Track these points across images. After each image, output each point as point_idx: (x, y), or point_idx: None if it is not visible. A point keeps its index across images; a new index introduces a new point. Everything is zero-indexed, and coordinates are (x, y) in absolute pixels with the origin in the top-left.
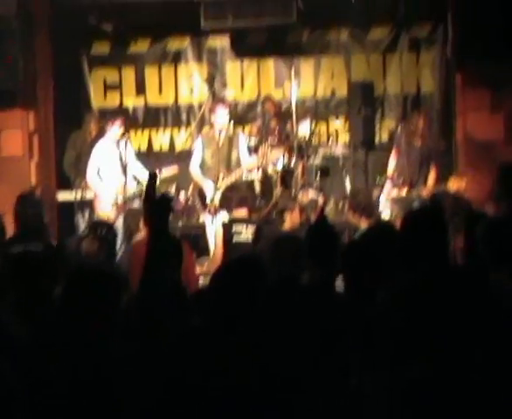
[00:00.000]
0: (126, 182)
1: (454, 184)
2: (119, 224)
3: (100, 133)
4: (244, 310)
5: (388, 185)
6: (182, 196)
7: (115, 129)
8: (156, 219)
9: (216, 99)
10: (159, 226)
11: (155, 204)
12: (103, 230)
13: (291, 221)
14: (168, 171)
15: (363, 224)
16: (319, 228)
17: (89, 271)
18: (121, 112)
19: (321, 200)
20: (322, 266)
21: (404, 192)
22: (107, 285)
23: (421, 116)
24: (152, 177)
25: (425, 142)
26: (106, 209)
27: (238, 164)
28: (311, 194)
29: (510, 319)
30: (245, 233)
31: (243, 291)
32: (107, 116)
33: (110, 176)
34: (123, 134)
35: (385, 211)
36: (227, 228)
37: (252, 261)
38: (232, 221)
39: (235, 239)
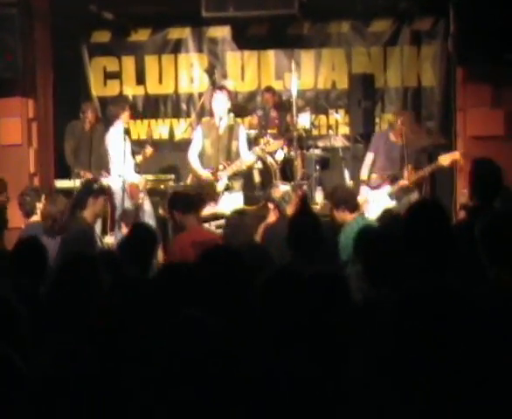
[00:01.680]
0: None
1: (446, 160)
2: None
3: (98, 121)
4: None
5: (365, 189)
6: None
7: (125, 118)
8: None
9: (216, 85)
10: None
11: None
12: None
13: (274, 214)
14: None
15: (349, 218)
16: (300, 219)
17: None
18: (123, 100)
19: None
20: (307, 257)
21: (388, 189)
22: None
23: (402, 115)
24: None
25: (404, 141)
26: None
27: (238, 155)
28: (282, 188)
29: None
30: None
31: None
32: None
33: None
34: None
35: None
36: None
37: (233, 251)
38: None
39: None
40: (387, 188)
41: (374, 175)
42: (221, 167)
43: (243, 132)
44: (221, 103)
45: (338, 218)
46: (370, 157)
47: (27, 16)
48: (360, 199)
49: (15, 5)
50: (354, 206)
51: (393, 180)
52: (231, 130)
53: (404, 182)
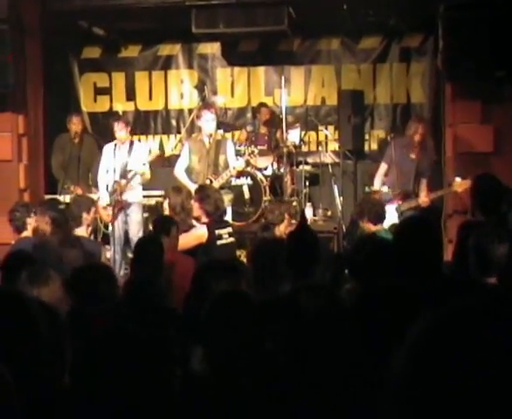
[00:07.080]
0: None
1: (461, 186)
2: (116, 225)
3: (85, 131)
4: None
5: None
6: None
7: (120, 132)
8: None
9: (204, 104)
10: None
11: None
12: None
13: (279, 234)
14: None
15: (373, 230)
16: (299, 237)
17: None
18: (113, 115)
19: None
20: (302, 276)
21: (398, 206)
22: None
23: (420, 125)
24: None
25: (421, 155)
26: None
27: (226, 168)
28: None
29: None
30: (227, 239)
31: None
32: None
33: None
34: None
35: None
36: (212, 229)
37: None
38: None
39: (218, 242)
40: (397, 204)
41: (385, 189)
42: (208, 181)
43: (230, 145)
44: (208, 121)
45: (365, 229)
46: (383, 167)
47: (18, 31)
48: None
49: (6, 21)
50: (377, 218)
51: (405, 196)
52: (219, 145)
53: (423, 202)
